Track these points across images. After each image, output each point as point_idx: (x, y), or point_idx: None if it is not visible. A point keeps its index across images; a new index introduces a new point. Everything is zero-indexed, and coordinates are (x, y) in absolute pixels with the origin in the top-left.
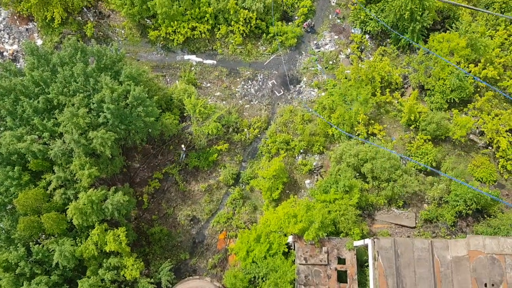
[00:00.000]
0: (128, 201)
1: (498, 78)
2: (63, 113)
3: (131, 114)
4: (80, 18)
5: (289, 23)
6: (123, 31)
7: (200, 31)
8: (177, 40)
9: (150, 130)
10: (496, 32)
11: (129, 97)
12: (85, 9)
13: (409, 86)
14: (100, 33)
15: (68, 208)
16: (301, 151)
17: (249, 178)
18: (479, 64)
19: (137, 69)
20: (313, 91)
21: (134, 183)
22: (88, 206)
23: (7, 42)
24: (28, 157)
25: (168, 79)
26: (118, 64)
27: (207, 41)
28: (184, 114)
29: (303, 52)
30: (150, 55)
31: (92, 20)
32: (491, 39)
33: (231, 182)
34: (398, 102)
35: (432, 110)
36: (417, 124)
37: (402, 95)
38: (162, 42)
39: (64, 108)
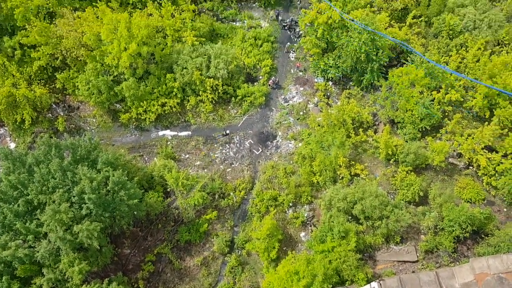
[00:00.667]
0: None
1: (462, 99)
2: (45, 212)
3: (114, 200)
4: (50, 114)
5: (255, 83)
6: (94, 120)
7: (170, 106)
8: (149, 119)
9: (135, 212)
10: (450, 57)
11: (109, 183)
12: (54, 105)
13: (380, 122)
14: (72, 125)
15: None
16: (290, 204)
17: (243, 242)
18: (441, 90)
19: (113, 154)
20: (290, 143)
21: (127, 270)
22: None
23: None
24: (15, 264)
25: (146, 158)
26: (93, 152)
27: (178, 114)
28: (168, 190)
29: (273, 108)
30: (124, 138)
31: (62, 114)
32: (447, 64)
33: (226, 250)
34: (373, 140)
35: (407, 141)
36: (396, 157)
37: (375, 132)
38: (134, 123)
39: (45, 207)
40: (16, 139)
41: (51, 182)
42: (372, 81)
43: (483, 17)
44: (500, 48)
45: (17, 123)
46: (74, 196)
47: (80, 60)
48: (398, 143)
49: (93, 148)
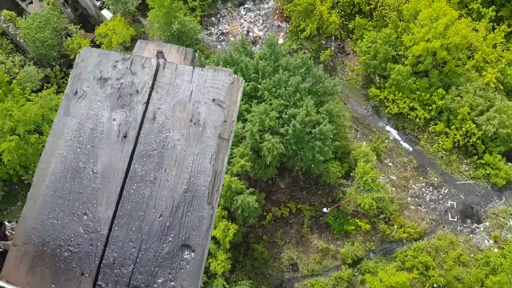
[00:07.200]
0: (255, 209)
1: None
2: (259, 106)
3: (308, 143)
4: (323, 42)
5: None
6: (350, 73)
7: (416, 115)
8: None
9: (312, 165)
10: None
11: (316, 127)
12: (333, 37)
13: None
14: (331, 63)
15: None
16: (435, 285)
17: (367, 270)
18: None
19: (339, 109)
20: (487, 239)
21: (269, 198)
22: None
23: (257, 27)
24: None
25: (358, 135)
26: (327, 97)
27: (417, 127)
28: (350, 174)
29: (503, 198)
30: (357, 106)
31: (332, 49)
32: None
33: (349, 260)
34: None
35: None
36: None
37: None
38: (376, 103)
39: (262, 102)
40: (286, 40)
41: (282, 89)
42: None
43: None
44: None
45: (297, 29)
46: (286, 114)
47: None
48: None
49: (330, 93)
